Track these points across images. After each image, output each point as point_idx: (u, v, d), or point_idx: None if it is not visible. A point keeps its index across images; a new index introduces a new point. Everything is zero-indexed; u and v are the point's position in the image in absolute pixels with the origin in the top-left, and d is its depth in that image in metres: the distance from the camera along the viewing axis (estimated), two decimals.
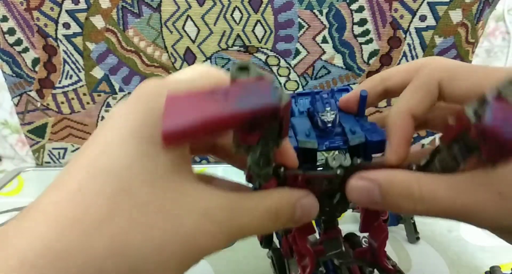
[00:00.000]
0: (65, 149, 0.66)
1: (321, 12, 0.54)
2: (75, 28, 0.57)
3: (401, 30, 0.55)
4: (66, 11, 0.56)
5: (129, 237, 0.16)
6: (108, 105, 0.62)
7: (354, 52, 0.57)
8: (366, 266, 0.28)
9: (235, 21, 0.56)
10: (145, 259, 0.17)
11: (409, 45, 0.56)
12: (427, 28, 0.54)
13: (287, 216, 0.21)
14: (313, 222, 0.30)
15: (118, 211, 0.16)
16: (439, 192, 0.20)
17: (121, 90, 0.61)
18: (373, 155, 0.25)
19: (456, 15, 0.53)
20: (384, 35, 0.55)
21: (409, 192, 0.20)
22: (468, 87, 0.22)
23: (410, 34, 0.55)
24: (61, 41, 0.58)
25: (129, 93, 0.61)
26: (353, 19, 0.55)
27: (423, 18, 0.54)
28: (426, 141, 0.64)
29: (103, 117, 0.63)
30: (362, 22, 0.55)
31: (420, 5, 0.53)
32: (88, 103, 0.62)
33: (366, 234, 0.29)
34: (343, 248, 0.28)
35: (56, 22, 0.57)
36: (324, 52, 0.57)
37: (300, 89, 0.60)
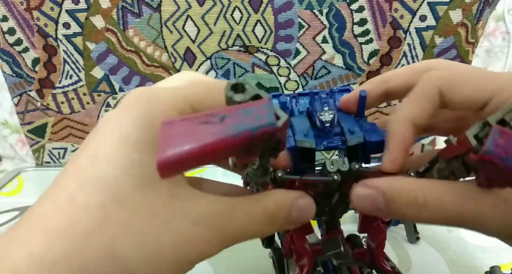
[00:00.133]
0: (65, 149, 0.66)
1: (321, 12, 0.54)
2: (75, 28, 0.57)
3: (401, 30, 0.55)
4: (66, 11, 0.56)
5: (121, 245, 0.16)
6: (108, 105, 0.62)
7: (354, 52, 0.57)
8: (365, 267, 0.28)
9: (235, 21, 0.56)
10: (139, 267, 0.17)
11: (409, 45, 0.56)
12: (427, 28, 0.54)
13: (284, 218, 0.21)
14: (315, 222, 0.30)
15: (109, 220, 0.16)
16: (443, 200, 0.19)
17: (121, 90, 0.61)
18: (372, 156, 0.25)
19: (456, 15, 0.53)
20: (384, 35, 0.55)
21: (413, 200, 0.20)
22: (467, 94, 0.22)
23: (410, 34, 0.55)
24: (61, 41, 0.58)
25: None
26: (353, 19, 0.55)
27: (423, 18, 0.54)
28: (426, 141, 0.64)
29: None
30: (362, 22, 0.55)
31: (420, 5, 0.53)
32: (88, 103, 0.62)
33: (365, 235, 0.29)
34: (342, 249, 0.28)
35: (56, 22, 0.57)
36: (324, 52, 0.57)
37: (300, 89, 0.60)
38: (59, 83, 0.61)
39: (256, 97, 0.16)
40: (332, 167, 0.22)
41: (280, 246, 0.32)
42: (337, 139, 0.24)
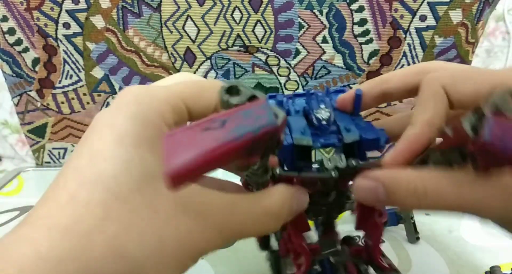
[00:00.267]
0: (65, 149, 0.66)
1: (321, 12, 0.54)
2: (75, 28, 0.57)
3: (401, 30, 0.55)
4: (66, 11, 0.56)
5: (124, 241, 0.16)
6: (108, 105, 0.62)
7: (354, 52, 0.57)
8: (362, 264, 0.28)
9: (235, 21, 0.56)
10: (142, 262, 0.17)
11: (409, 45, 0.56)
12: (427, 28, 0.54)
13: (286, 215, 0.21)
14: (312, 223, 0.30)
15: (111, 217, 0.16)
16: (443, 188, 0.20)
17: (121, 90, 0.61)
18: (369, 154, 0.25)
19: (456, 15, 0.53)
20: (384, 35, 0.55)
21: (413, 189, 0.20)
22: (469, 90, 0.22)
23: (410, 34, 0.55)
24: (61, 41, 0.58)
25: None
26: (353, 19, 0.55)
27: (423, 18, 0.54)
28: None
29: None
30: (362, 22, 0.55)
31: (420, 5, 0.53)
32: (88, 103, 0.62)
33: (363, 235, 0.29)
34: (339, 247, 0.28)
35: (56, 22, 0.57)
36: (324, 52, 0.57)
37: (300, 89, 0.60)
38: (59, 83, 0.61)
39: (252, 97, 0.16)
40: (329, 164, 0.22)
41: (277, 248, 0.32)
42: (334, 137, 0.24)
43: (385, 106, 0.60)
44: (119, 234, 0.16)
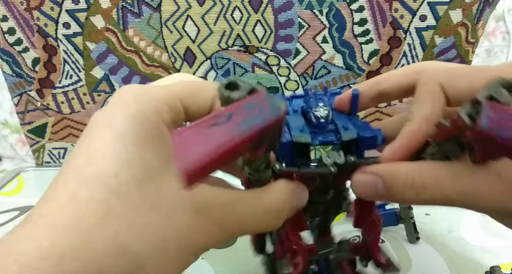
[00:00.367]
0: (65, 149, 0.66)
1: (321, 12, 0.54)
2: (75, 28, 0.57)
3: (401, 30, 0.55)
4: (66, 11, 0.56)
5: (126, 238, 0.16)
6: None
7: (354, 52, 0.57)
8: (361, 260, 0.28)
9: (235, 21, 0.56)
10: (143, 259, 0.17)
11: (409, 45, 0.56)
12: (427, 28, 0.54)
13: (289, 209, 0.21)
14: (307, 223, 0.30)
15: (113, 214, 0.17)
16: (440, 180, 0.20)
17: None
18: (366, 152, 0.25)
19: (456, 15, 0.53)
20: (384, 35, 0.55)
21: (411, 182, 0.20)
22: (465, 86, 0.22)
23: (410, 34, 0.55)
24: (61, 41, 0.58)
25: None
26: (353, 19, 0.55)
27: (423, 18, 0.54)
28: None
29: None
30: (362, 22, 0.55)
31: (420, 5, 0.53)
32: (88, 103, 0.62)
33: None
34: (334, 249, 0.28)
35: (56, 22, 0.57)
36: (324, 52, 0.57)
37: (300, 89, 0.60)
38: (59, 83, 0.61)
39: (252, 91, 0.17)
40: (328, 159, 0.22)
41: (272, 251, 0.32)
42: (332, 135, 0.25)
43: (385, 106, 0.60)
44: (121, 231, 0.16)
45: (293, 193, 0.21)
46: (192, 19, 0.56)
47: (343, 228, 0.32)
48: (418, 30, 0.55)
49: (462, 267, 0.39)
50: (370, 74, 0.58)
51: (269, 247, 0.32)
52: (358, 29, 0.55)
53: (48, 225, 0.16)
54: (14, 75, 0.61)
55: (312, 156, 0.25)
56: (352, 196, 0.26)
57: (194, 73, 0.60)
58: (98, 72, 0.60)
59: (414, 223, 0.42)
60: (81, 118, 0.64)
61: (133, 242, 0.17)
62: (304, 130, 0.24)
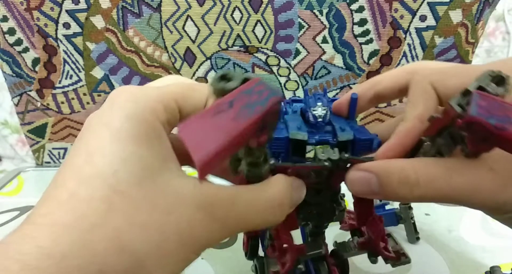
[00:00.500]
0: (65, 149, 0.66)
1: (321, 12, 0.54)
2: (75, 28, 0.57)
3: (401, 30, 0.55)
4: (66, 11, 0.56)
5: (127, 236, 0.16)
6: None
7: (354, 52, 0.57)
8: (369, 256, 0.29)
9: (235, 21, 0.56)
10: (144, 256, 0.17)
11: (409, 45, 0.56)
12: (427, 28, 0.54)
13: (290, 203, 0.21)
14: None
15: (113, 212, 0.17)
16: (434, 175, 0.20)
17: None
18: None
19: (456, 15, 0.53)
20: (384, 35, 0.55)
21: (405, 178, 0.20)
22: (456, 85, 0.23)
23: (410, 34, 0.55)
24: (61, 41, 0.58)
25: None
26: (353, 19, 0.55)
27: (423, 18, 0.54)
28: None
29: None
30: (362, 22, 0.55)
31: (420, 5, 0.53)
32: (88, 103, 0.62)
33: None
34: (323, 251, 0.28)
35: (56, 22, 0.57)
36: (324, 52, 0.57)
37: (300, 89, 0.60)
38: (59, 83, 0.61)
39: (245, 80, 0.17)
40: (323, 155, 0.23)
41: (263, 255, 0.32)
42: (329, 135, 0.25)
43: (385, 106, 0.60)
44: (121, 228, 0.16)
45: (291, 186, 0.22)
46: (192, 19, 0.56)
47: (338, 228, 0.32)
48: (418, 30, 0.55)
49: (462, 267, 0.39)
50: (370, 74, 0.58)
51: (260, 252, 0.33)
52: (358, 29, 0.55)
53: (49, 224, 0.16)
54: (14, 75, 0.61)
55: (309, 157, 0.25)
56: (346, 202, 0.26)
57: (194, 73, 0.60)
58: (98, 72, 0.60)
59: (414, 223, 0.42)
60: (81, 118, 0.64)
61: (134, 241, 0.17)
62: (302, 129, 0.24)
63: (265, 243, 0.31)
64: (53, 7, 0.56)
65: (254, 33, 0.56)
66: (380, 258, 0.28)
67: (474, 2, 0.52)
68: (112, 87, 0.61)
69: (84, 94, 0.62)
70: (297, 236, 0.28)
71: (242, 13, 0.55)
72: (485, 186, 0.19)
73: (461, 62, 0.56)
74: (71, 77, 0.60)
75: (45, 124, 0.64)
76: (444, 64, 0.26)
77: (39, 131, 0.65)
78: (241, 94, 0.16)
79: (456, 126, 0.18)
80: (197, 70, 0.59)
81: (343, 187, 0.25)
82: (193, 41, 0.57)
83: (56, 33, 0.58)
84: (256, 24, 0.56)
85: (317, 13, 0.54)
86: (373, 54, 0.56)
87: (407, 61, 0.57)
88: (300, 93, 0.60)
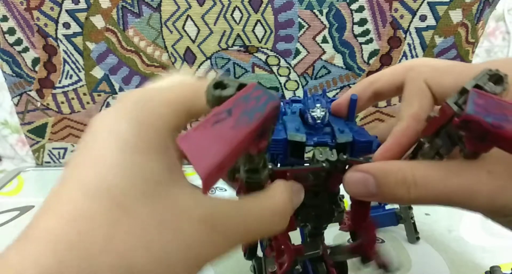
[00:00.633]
0: (65, 149, 0.66)
1: (321, 12, 0.54)
2: (75, 28, 0.57)
3: (401, 30, 0.55)
4: (66, 11, 0.56)
5: (132, 254, 0.16)
6: (108, 105, 0.62)
7: (354, 52, 0.57)
8: (362, 261, 0.29)
9: (235, 21, 0.56)
10: None
11: (409, 45, 0.56)
12: (427, 28, 0.54)
13: (291, 209, 0.21)
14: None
15: (118, 229, 0.16)
16: (431, 177, 0.20)
17: (121, 90, 0.61)
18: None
19: (456, 15, 0.53)
20: (384, 35, 0.55)
21: (403, 179, 0.20)
22: (450, 83, 0.23)
23: (410, 34, 0.55)
24: (61, 41, 0.58)
25: None
26: (353, 19, 0.55)
27: (423, 18, 0.54)
28: None
29: None
30: (362, 22, 0.55)
31: (420, 5, 0.53)
32: (88, 103, 0.62)
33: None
34: (321, 252, 0.28)
35: (56, 22, 0.57)
36: (324, 52, 0.57)
37: (300, 89, 0.60)
38: (59, 83, 0.61)
39: (241, 86, 0.17)
40: (320, 156, 0.23)
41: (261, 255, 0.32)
42: (327, 137, 0.25)
43: (385, 106, 0.60)
44: (127, 246, 0.16)
45: (291, 191, 0.21)
46: (192, 19, 0.56)
47: (338, 229, 0.32)
48: (418, 30, 0.55)
49: (462, 267, 0.39)
50: (370, 74, 0.58)
51: (259, 253, 0.33)
52: (358, 29, 0.55)
53: (51, 241, 0.16)
54: (14, 75, 0.61)
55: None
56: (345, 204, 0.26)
57: (194, 73, 0.60)
58: (98, 72, 0.60)
59: (414, 223, 0.42)
60: (81, 118, 0.64)
61: (138, 261, 0.16)
62: (300, 130, 0.24)
63: (263, 243, 0.31)
64: (53, 7, 0.56)
65: (254, 33, 0.56)
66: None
67: (474, 2, 0.52)
68: (112, 87, 0.61)
69: (84, 94, 0.62)
70: (296, 237, 0.28)
71: (242, 13, 0.55)
72: (483, 189, 0.19)
73: (461, 61, 0.56)
74: (71, 77, 0.60)
75: (45, 124, 0.64)
76: (441, 62, 0.25)
77: (39, 131, 0.65)
78: (239, 101, 0.16)
79: (453, 125, 0.18)
80: (197, 70, 0.59)
81: (343, 189, 0.25)
82: (193, 41, 0.57)
83: (56, 33, 0.58)
84: (256, 24, 0.56)
85: (317, 13, 0.54)
86: (373, 54, 0.56)
87: None
88: (300, 93, 0.60)
